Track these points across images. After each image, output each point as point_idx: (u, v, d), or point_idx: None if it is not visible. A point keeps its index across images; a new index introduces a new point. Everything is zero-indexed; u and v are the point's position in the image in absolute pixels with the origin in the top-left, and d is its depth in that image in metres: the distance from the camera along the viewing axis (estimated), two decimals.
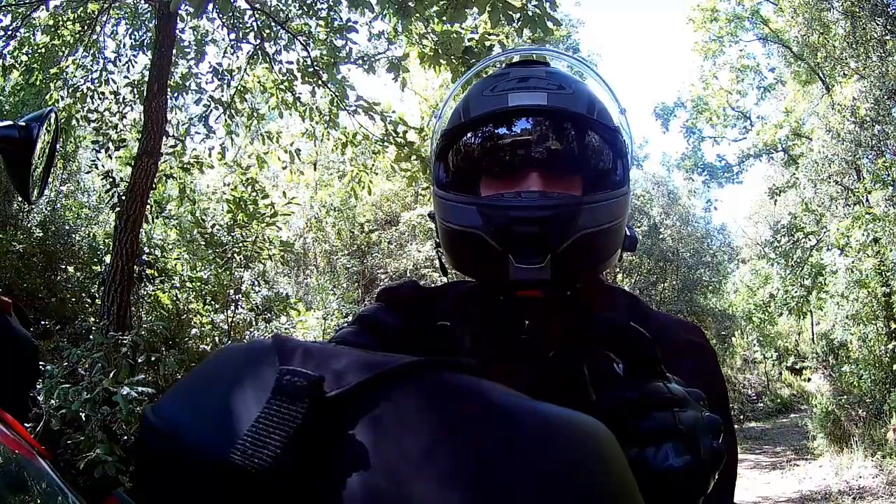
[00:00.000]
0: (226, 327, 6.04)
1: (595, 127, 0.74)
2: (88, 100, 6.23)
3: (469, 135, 0.76)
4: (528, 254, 0.68)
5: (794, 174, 12.21)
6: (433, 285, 0.90)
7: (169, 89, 5.67)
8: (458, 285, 0.85)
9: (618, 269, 12.36)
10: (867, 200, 9.10)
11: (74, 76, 6.48)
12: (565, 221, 0.68)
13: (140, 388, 3.48)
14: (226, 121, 6.45)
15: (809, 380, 14.85)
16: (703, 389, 0.66)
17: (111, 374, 3.65)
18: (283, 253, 7.22)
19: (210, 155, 6.52)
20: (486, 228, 0.69)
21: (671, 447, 0.47)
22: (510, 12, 3.86)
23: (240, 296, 6.28)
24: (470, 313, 0.79)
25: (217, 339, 5.96)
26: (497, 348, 0.75)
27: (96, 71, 6.49)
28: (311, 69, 5.92)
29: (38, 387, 3.35)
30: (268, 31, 5.93)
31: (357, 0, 4.81)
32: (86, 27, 6.26)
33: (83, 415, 3.45)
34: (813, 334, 15.31)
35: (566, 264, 0.69)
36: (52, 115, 0.91)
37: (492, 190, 0.75)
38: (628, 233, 0.78)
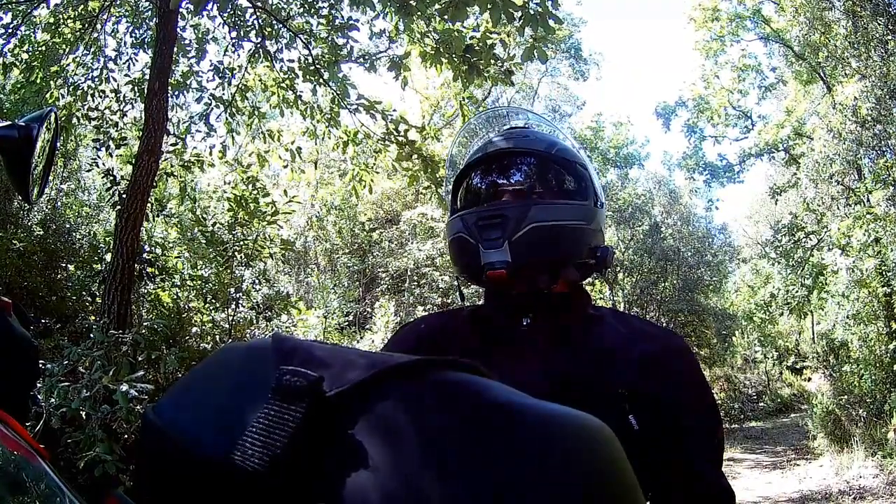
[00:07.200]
0: (227, 326, 6.04)
1: (553, 159, 1.00)
2: (89, 98, 6.22)
3: (466, 175, 1.04)
4: (491, 239, 0.91)
5: (796, 174, 12.20)
6: (449, 309, 1.16)
7: (170, 87, 5.67)
8: (468, 307, 1.06)
9: (619, 269, 12.34)
10: (868, 200, 9.08)
11: (75, 74, 6.48)
12: (518, 216, 0.91)
13: (139, 385, 3.48)
14: (227, 119, 6.45)
15: (810, 379, 14.84)
16: (688, 395, 0.87)
17: (111, 373, 3.65)
18: (283, 251, 7.22)
19: (211, 153, 6.52)
20: (464, 229, 0.95)
21: None
22: (511, 10, 3.85)
23: (241, 294, 6.28)
24: (478, 322, 0.99)
25: (218, 337, 5.96)
26: (500, 342, 0.94)
27: (97, 69, 6.49)
28: (312, 67, 5.92)
29: (38, 386, 3.35)
30: (269, 29, 5.92)
31: None
32: (86, 25, 6.26)
33: (83, 413, 3.45)
34: (813, 334, 15.30)
35: (522, 249, 0.90)
36: (53, 114, 0.90)
37: None
38: (599, 253, 0.96)
